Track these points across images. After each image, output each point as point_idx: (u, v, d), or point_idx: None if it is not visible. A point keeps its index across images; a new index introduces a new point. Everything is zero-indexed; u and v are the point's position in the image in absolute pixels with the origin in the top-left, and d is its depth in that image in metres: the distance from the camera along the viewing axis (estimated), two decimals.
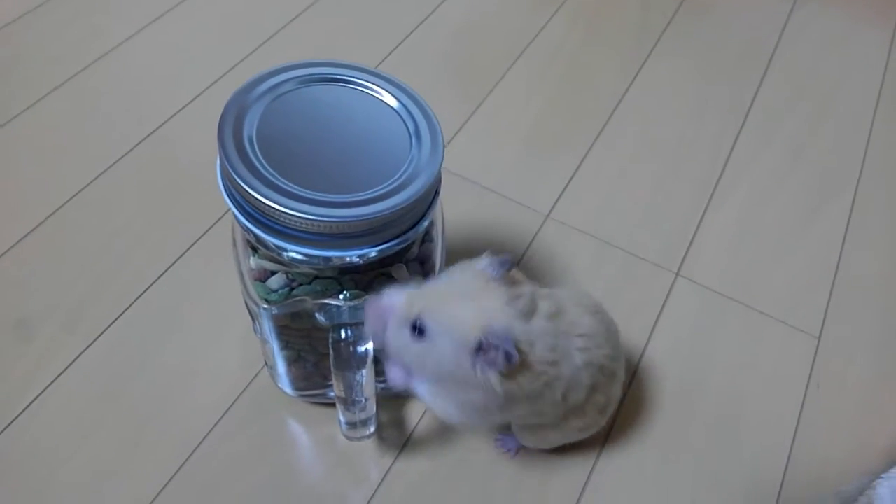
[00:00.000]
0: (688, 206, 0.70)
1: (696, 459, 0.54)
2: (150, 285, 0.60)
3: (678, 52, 0.84)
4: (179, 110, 0.73)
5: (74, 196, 0.65)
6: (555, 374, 0.41)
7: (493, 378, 0.38)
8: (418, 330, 0.39)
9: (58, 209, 0.64)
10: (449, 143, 0.72)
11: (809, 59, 0.85)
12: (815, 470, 0.54)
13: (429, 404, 0.43)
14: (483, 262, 0.40)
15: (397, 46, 0.81)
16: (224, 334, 0.57)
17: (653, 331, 0.61)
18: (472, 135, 0.73)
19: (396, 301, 0.39)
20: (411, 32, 0.82)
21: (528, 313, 0.39)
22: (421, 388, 0.43)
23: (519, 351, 0.38)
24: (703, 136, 0.76)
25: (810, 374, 0.59)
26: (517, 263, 0.40)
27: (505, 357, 0.37)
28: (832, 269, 0.66)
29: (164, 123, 0.71)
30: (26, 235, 0.62)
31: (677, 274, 0.64)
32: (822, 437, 0.56)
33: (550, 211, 0.68)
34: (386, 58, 0.79)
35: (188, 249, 0.62)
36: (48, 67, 0.75)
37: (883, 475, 0.41)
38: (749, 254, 0.67)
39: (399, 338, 0.39)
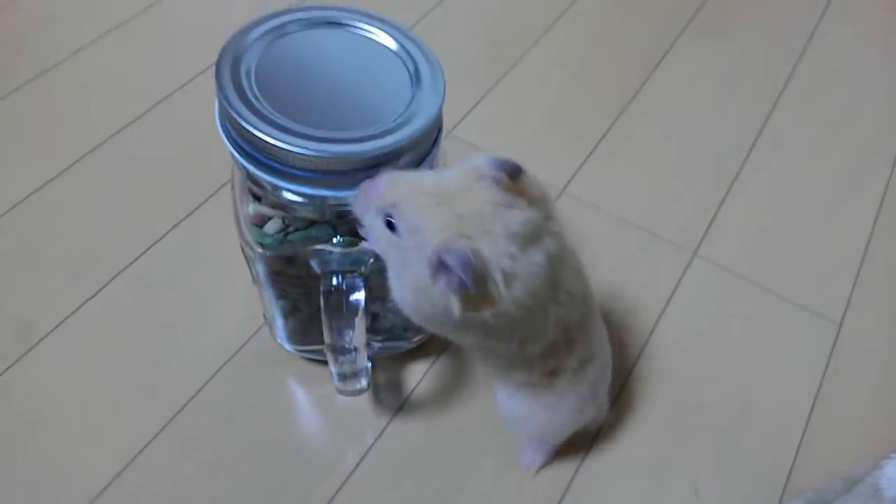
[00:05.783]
0: (712, 183, 0.67)
1: (702, 442, 0.52)
2: (164, 236, 0.60)
3: (714, 27, 0.81)
4: (207, 68, 0.72)
5: (96, 148, 0.65)
6: (522, 319, 0.36)
7: (452, 301, 0.33)
8: (389, 223, 0.35)
9: (78, 160, 0.64)
10: (468, 114, 0.71)
11: (851, 38, 0.82)
12: (826, 458, 0.52)
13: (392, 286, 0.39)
14: (480, 159, 0.34)
15: (430, 12, 0.79)
16: (229, 288, 0.57)
17: (664, 311, 0.59)
18: (494, 106, 0.72)
19: (381, 187, 0.35)
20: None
21: (528, 240, 0.34)
22: (390, 271, 0.38)
23: (485, 282, 0.33)
24: (734, 112, 0.74)
25: (828, 361, 0.57)
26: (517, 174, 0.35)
27: (458, 285, 0.32)
28: (860, 256, 0.63)
29: (193, 79, 0.71)
30: (48, 182, 0.63)
31: (695, 254, 0.62)
32: (835, 426, 0.53)
33: (566, 186, 0.66)
34: (419, 22, 0.79)
35: (203, 203, 0.62)
36: (86, 20, 0.75)
37: (892, 454, 0.39)
38: (773, 236, 0.64)
39: (374, 226, 0.36)
